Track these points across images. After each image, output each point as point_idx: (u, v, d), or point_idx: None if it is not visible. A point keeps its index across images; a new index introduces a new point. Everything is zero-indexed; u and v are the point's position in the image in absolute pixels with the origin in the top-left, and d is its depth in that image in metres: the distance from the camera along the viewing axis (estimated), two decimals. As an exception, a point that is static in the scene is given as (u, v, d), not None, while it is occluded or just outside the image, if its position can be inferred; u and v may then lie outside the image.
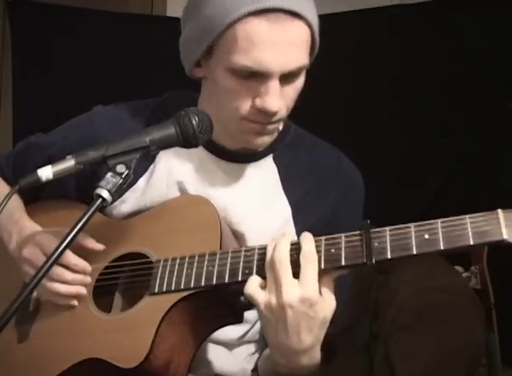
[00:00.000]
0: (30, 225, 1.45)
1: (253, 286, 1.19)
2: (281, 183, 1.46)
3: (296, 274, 1.17)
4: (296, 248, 1.19)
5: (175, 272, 1.29)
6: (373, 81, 3.27)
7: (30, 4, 3.54)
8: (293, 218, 1.45)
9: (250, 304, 1.27)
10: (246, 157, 1.45)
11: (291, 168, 1.47)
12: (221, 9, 1.28)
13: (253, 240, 1.40)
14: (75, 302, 1.37)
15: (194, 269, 1.27)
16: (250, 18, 1.27)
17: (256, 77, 1.29)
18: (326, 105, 3.28)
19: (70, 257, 1.36)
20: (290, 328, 1.17)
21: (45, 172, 1.22)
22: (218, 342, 1.44)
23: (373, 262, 1.15)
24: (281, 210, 1.45)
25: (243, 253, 1.25)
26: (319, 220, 1.44)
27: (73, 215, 1.38)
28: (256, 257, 1.23)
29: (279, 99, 1.30)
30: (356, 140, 3.18)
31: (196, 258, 1.28)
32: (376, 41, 3.30)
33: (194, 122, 1.26)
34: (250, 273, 1.22)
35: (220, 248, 1.29)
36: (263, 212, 1.43)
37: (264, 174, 1.46)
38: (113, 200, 1.19)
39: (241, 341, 1.47)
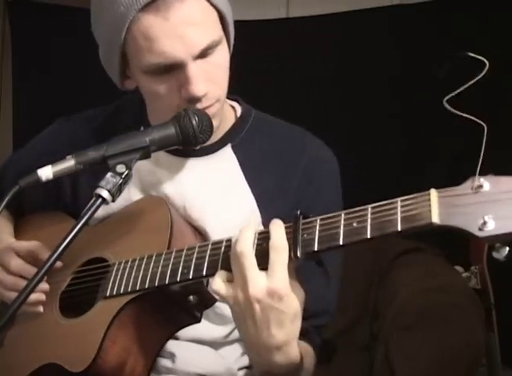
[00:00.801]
0: (5, 239, 1.48)
1: (218, 281, 1.13)
2: (243, 174, 1.42)
3: (265, 265, 1.10)
4: (265, 237, 1.12)
5: (125, 275, 1.28)
6: (372, 81, 3.27)
7: (30, 4, 3.54)
8: (259, 208, 1.40)
9: (203, 303, 1.26)
10: (202, 150, 1.39)
11: (252, 156, 1.43)
12: (116, 17, 1.26)
13: (216, 234, 1.35)
14: (40, 309, 1.38)
15: (141, 271, 1.26)
16: (140, 15, 1.24)
17: (171, 69, 1.27)
18: (325, 105, 3.28)
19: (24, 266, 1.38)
20: (259, 323, 1.10)
21: (45, 172, 1.22)
22: (202, 342, 1.41)
23: (298, 255, 1.08)
24: (244, 201, 1.40)
25: (184, 252, 1.22)
26: (286, 207, 1.36)
27: (57, 227, 1.43)
28: (195, 256, 1.20)
29: (202, 83, 1.27)
30: (356, 140, 3.18)
31: (145, 259, 1.27)
32: (376, 41, 3.30)
33: (194, 122, 1.26)
34: (188, 273, 1.20)
35: (168, 249, 1.27)
36: (224, 205, 1.40)
37: (223, 165, 1.42)
38: (113, 200, 1.19)
39: (226, 340, 1.44)
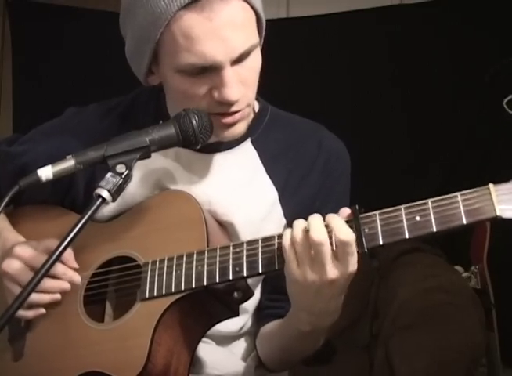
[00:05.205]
0: (13, 237, 1.42)
1: (288, 239, 1.15)
2: (264, 167, 1.42)
3: None
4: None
5: (165, 275, 1.26)
6: (372, 81, 3.28)
7: (30, 4, 3.55)
8: (280, 200, 1.41)
9: (244, 298, 1.26)
10: (223, 145, 1.39)
11: (272, 149, 1.43)
12: (154, 13, 1.22)
13: (242, 227, 1.37)
14: (43, 311, 1.34)
15: (183, 270, 1.24)
16: (182, 13, 1.21)
17: (207, 71, 1.24)
18: (324, 104, 3.28)
19: (57, 266, 1.33)
20: (329, 299, 1.18)
21: (45, 172, 1.22)
22: (217, 337, 1.41)
23: (365, 249, 1.10)
24: (267, 193, 1.41)
25: (231, 250, 1.21)
26: (306, 198, 1.41)
27: (57, 221, 1.39)
28: (245, 253, 1.20)
29: (237, 87, 1.25)
30: (357, 140, 3.18)
31: (184, 258, 1.25)
32: (375, 41, 3.31)
33: (194, 122, 1.25)
34: (241, 271, 1.19)
35: (207, 245, 1.25)
36: (248, 198, 1.39)
37: (244, 159, 1.42)
38: (113, 200, 1.19)
39: (240, 333, 1.45)
